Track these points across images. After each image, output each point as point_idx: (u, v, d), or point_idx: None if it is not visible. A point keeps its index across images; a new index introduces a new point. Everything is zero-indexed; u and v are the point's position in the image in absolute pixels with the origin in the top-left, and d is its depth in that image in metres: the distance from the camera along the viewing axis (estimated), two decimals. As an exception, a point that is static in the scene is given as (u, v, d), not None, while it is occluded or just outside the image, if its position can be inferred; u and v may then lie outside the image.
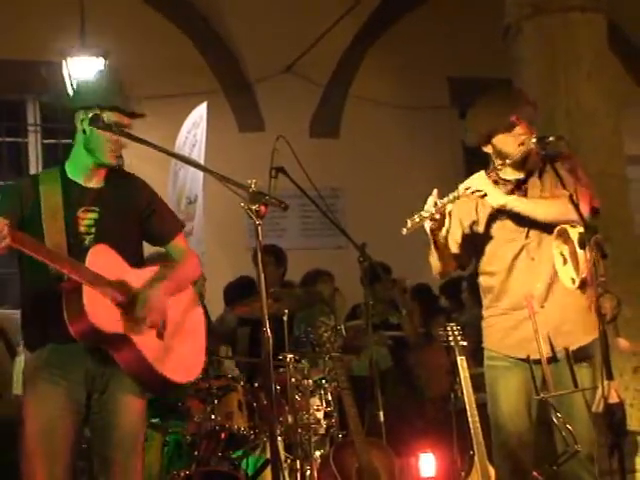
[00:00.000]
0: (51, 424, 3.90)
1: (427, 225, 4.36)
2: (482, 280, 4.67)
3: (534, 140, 4.29)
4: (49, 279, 3.86)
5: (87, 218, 4.03)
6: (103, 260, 3.92)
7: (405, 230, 4.32)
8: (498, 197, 4.41)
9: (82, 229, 4.01)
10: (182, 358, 4.12)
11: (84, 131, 4.05)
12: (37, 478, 3.86)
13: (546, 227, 4.44)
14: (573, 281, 4.21)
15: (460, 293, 8.80)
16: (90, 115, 3.95)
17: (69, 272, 3.79)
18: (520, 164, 4.48)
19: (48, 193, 4.00)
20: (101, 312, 3.83)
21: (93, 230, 4.02)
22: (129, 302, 3.95)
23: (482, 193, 4.39)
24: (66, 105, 4.14)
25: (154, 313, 3.99)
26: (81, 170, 4.10)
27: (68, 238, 3.94)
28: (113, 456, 3.97)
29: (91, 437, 4.08)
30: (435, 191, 4.34)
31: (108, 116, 4.01)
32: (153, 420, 5.54)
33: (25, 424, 3.93)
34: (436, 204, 4.30)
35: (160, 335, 4.05)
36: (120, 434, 3.98)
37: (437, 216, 4.31)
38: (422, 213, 4.31)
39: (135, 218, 4.19)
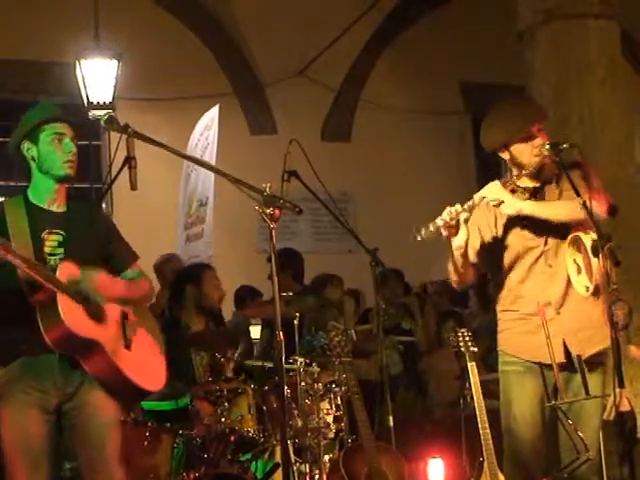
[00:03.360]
0: (27, 433, 3.98)
1: (444, 232, 4.36)
2: (498, 285, 4.65)
3: (547, 147, 4.30)
4: (17, 292, 3.93)
5: (51, 240, 4.12)
6: (71, 274, 4.00)
7: (419, 237, 4.31)
8: (514, 204, 4.40)
9: (47, 250, 4.10)
10: (148, 368, 4.22)
11: (33, 158, 4.18)
12: None
13: (564, 234, 4.44)
14: (587, 289, 4.21)
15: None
16: (105, 117, 3.96)
17: (46, 280, 3.87)
18: (537, 173, 4.48)
19: (14, 217, 4.10)
20: (76, 319, 3.92)
21: (59, 251, 4.11)
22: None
23: (498, 202, 4.38)
24: (13, 143, 4.26)
25: (101, 287, 4.08)
26: (43, 194, 4.19)
27: (35, 258, 4.01)
28: (92, 457, 4.06)
29: (70, 442, 4.14)
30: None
31: (53, 128, 4.15)
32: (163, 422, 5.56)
33: (2, 437, 4.01)
34: (451, 213, 4.31)
35: (127, 346, 4.15)
36: (97, 435, 4.05)
37: (452, 223, 4.31)
38: (437, 221, 4.31)
39: (97, 242, 4.28)
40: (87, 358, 4.00)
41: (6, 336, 4.05)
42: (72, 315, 3.90)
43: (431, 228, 4.31)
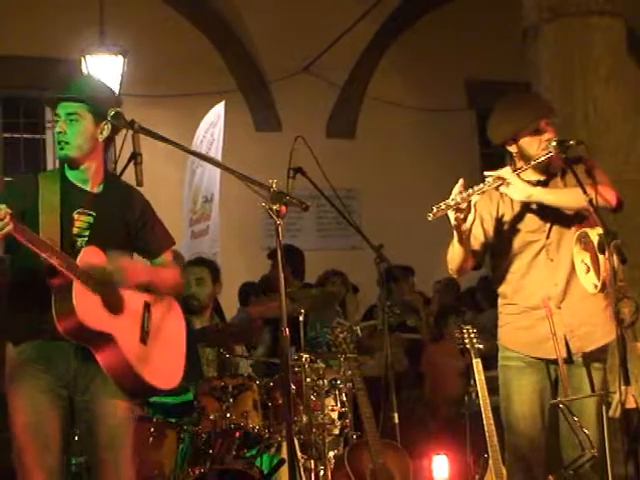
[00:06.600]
0: (39, 417, 3.92)
1: (451, 215, 4.33)
2: (499, 278, 4.66)
3: (554, 144, 4.31)
4: (40, 273, 3.87)
5: (82, 220, 4.06)
6: (94, 262, 3.94)
7: (431, 216, 4.28)
8: (524, 188, 4.40)
9: (76, 230, 4.04)
10: (163, 364, 4.13)
11: None
12: (31, 470, 3.90)
13: (567, 228, 4.45)
14: (595, 287, 4.21)
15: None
16: (112, 113, 3.96)
17: (62, 267, 3.80)
18: (543, 166, 4.48)
19: (47, 191, 4.04)
20: (89, 310, 3.84)
21: (86, 233, 4.04)
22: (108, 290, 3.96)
23: (506, 183, 4.38)
24: None
25: (123, 269, 4.00)
26: (76, 173, 4.13)
27: (62, 237, 3.96)
28: (102, 456, 4.00)
29: (80, 437, 4.13)
30: (461, 180, 4.32)
31: (56, 109, 4.08)
32: (169, 418, 5.57)
33: (13, 419, 3.97)
34: (462, 193, 4.28)
35: (143, 340, 4.06)
36: (107, 434, 3.99)
37: (463, 205, 4.29)
38: (448, 201, 4.28)
39: (128, 228, 4.21)
40: (98, 350, 3.93)
41: (23, 316, 3.99)
42: (85, 305, 3.83)
43: (442, 206, 4.28)
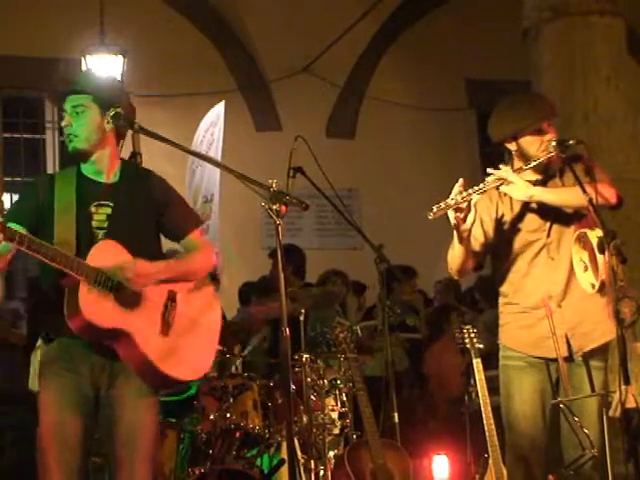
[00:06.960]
0: (61, 417, 3.90)
1: (451, 214, 4.31)
2: (500, 279, 4.66)
3: (554, 144, 4.31)
4: (58, 273, 3.85)
5: (100, 213, 4.01)
6: (108, 256, 3.89)
7: (431, 215, 4.26)
8: (525, 188, 4.39)
9: (95, 224, 3.99)
10: (188, 356, 4.05)
11: None
12: (51, 470, 3.88)
13: (567, 227, 4.46)
14: (593, 286, 4.21)
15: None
16: (112, 113, 3.97)
17: (66, 268, 3.77)
18: (542, 166, 4.48)
19: (62, 190, 4.00)
20: (97, 307, 3.81)
21: (106, 225, 4.00)
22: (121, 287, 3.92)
23: (507, 182, 4.38)
24: None
25: (136, 277, 3.91)
26: (90, 167, 4.08)
27: (79, 234, 3.93)
28: (119, 453, 3.97)
29: (99, 433, 4.07)
30: (461, 180, 4.31)
31: (64, 103, 4.04)
32: (169, 418, 5.57)
33: (40, 418, 3.95)
34: (462, 193, 4.27)
35: (164, 332, 3.99)
36: (125, 432, 3.95)
37: (463, 205, 4.28)
38: (448, 201, 4.27)
39: (149, 213, 4.14)
40: (117, 346, 3.90)
41: (48, 316, 4.00)
42: (92, 303, 3.79)
43: (442, 205, 4.26)
